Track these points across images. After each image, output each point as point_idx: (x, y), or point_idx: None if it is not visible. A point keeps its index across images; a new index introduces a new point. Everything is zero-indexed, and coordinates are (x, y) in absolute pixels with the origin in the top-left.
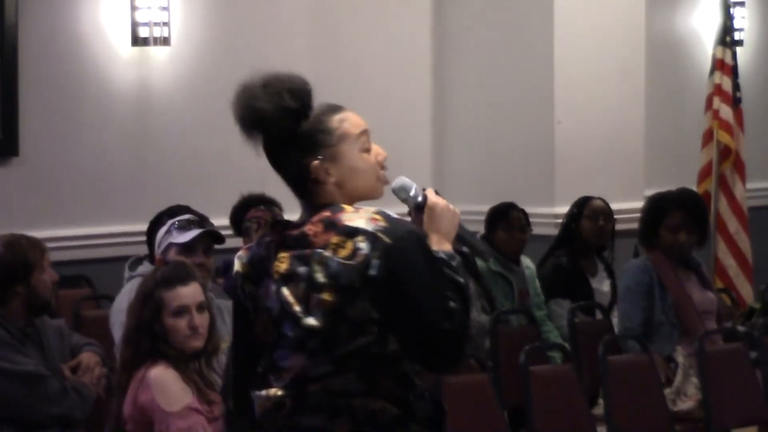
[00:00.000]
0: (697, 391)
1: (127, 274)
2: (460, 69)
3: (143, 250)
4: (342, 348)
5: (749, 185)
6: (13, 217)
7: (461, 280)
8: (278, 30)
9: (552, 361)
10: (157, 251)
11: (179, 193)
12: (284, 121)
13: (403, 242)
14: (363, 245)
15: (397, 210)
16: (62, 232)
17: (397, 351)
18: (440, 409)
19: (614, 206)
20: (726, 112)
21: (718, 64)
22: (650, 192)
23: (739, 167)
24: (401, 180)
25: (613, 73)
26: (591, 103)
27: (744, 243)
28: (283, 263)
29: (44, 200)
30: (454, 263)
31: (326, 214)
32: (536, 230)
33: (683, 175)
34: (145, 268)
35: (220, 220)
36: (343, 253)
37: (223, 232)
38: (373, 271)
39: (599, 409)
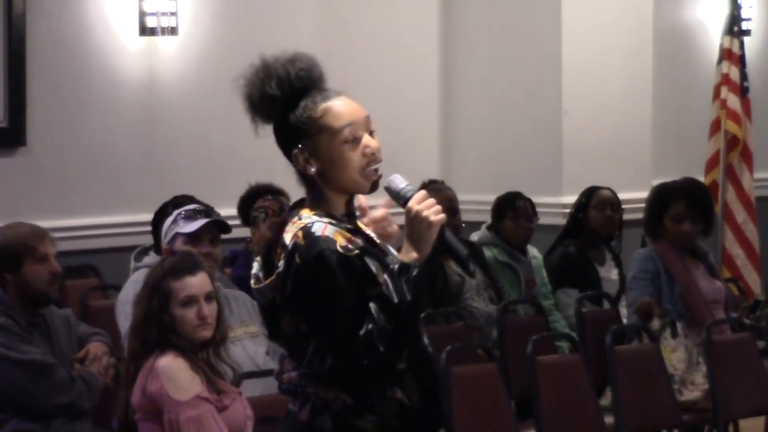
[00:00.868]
0: (704, 381)
1: (132, 264)
2: (468, 58)
3: (151, 239)
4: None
5: (757, 175)
6: (21, 207)
7: (395, 297)
8: (285, 19)
9: (559, 350)
10: (164, 241)
11: (187, 182)
12: (268, 108)
13: (308, 266)
14: (281, 263)
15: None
16: (69, 222)
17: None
18: (426, 420)
19: (621, 196)
20: (734, 101)
21: (725, 54)
22: (657, 182)
23: (747, 157)
24: (392, 179)
25: (620, 62)
26: (598, 92)
27: (751, 233)
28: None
29: (51, 190)
30: (405, 276)
31: (289, 219)
32: (543, 220)
33: (691, 164)
34: (151, 258)
35: (228, 210)
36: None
37: (231, 222)
38: (287, 290)
39: (606, 399)
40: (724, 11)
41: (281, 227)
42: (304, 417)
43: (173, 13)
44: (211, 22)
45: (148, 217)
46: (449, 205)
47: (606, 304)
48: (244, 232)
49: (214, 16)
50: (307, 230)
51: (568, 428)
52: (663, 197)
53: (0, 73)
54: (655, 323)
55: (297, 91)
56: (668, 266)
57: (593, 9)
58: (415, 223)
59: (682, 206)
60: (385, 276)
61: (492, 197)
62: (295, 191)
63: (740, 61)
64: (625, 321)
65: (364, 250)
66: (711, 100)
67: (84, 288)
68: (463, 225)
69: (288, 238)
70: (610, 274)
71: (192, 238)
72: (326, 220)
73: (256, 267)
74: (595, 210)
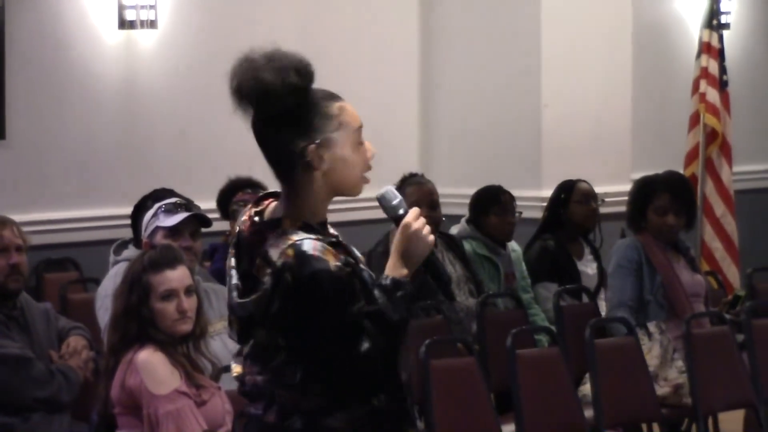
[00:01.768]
0: (678, 376)
1: (111, 258)
2: (448, 52)
3: (130, 233)
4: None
5: (736, 168)
6: (0, 200)
7: (394, 315)
8: (265, 14)
9: (539, 344)
10: (144, 235)
11: (166, 176)
12: (289, 97)
13: (302, 285)
14: (267, 279)
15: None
16: (49, 215)
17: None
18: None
19: (601, 189)
20: (713, 95)
21: (704, 48)
22: (637, 175)
23: (726, 150)
24: (385, 190)
25: (599, 56)
26: (578, 86)
27: (730, 226)
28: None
29: (30, 183)
30: (398, 293)
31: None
32: (523, 213)
33: (670, 158)
34: (130, 252)
35: (207, 204)
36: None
37: (210, 216)
38: (273, 308)
39: (585, 392)
40: (703, 5)
41: (258, 235)
42: (271, 419)
43: (152, 7)
44: (191, 16)
45: (128, 210)
46: (430, 198)
47: (585, 298)
48: (223, 225)
49: (194, 9)
50: (298, 248)
51: (548, 422)
52: (646, 190)
53: None
54: None
55: (311, 84)
56: (651, 258)
57: (572, 3)
58: (412, 241)
59: (665, 199)
60: (377, 292)
61: (471, 191)
62: (275, 185)
63: (719, 54)
64: (603, 314)
65: (353, 267)
66: (690, 94)
67: (63, 281)
68: (443, 219)
69: (275, 254)
70: (587, 268)
71: (172, 231)
72: (313, 236)
73: (234, 277)
74: (578, 204)
